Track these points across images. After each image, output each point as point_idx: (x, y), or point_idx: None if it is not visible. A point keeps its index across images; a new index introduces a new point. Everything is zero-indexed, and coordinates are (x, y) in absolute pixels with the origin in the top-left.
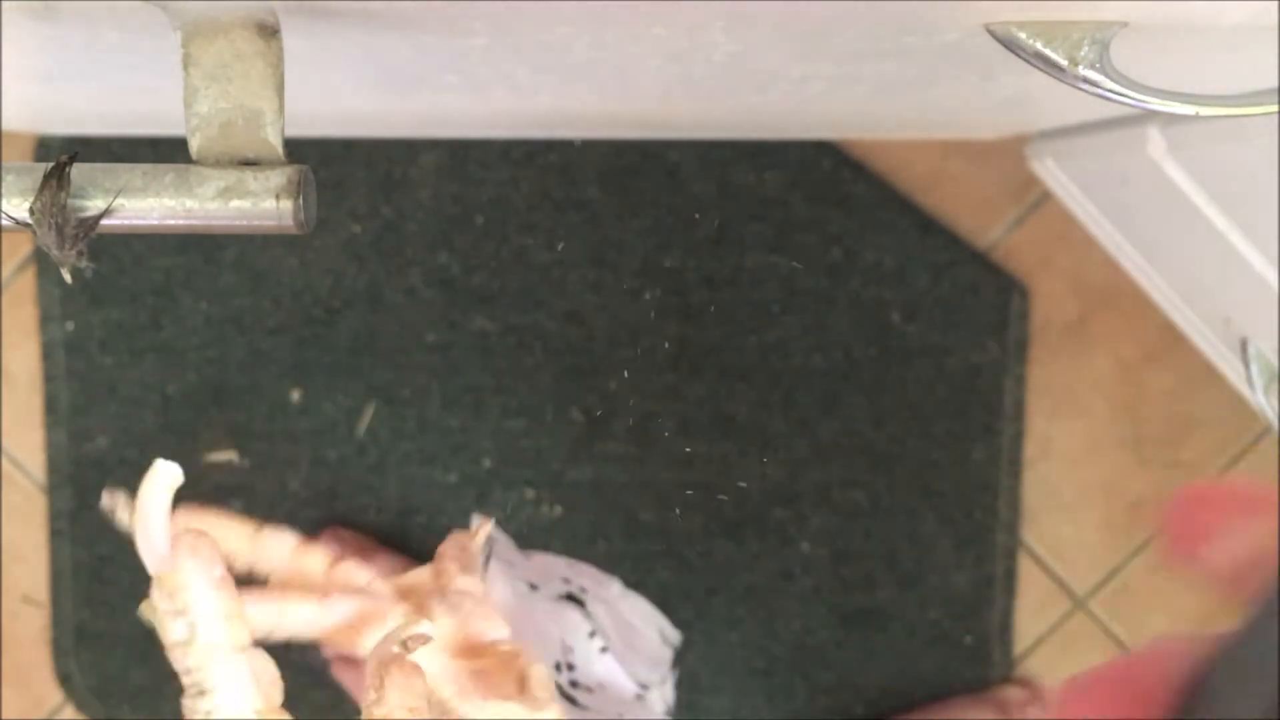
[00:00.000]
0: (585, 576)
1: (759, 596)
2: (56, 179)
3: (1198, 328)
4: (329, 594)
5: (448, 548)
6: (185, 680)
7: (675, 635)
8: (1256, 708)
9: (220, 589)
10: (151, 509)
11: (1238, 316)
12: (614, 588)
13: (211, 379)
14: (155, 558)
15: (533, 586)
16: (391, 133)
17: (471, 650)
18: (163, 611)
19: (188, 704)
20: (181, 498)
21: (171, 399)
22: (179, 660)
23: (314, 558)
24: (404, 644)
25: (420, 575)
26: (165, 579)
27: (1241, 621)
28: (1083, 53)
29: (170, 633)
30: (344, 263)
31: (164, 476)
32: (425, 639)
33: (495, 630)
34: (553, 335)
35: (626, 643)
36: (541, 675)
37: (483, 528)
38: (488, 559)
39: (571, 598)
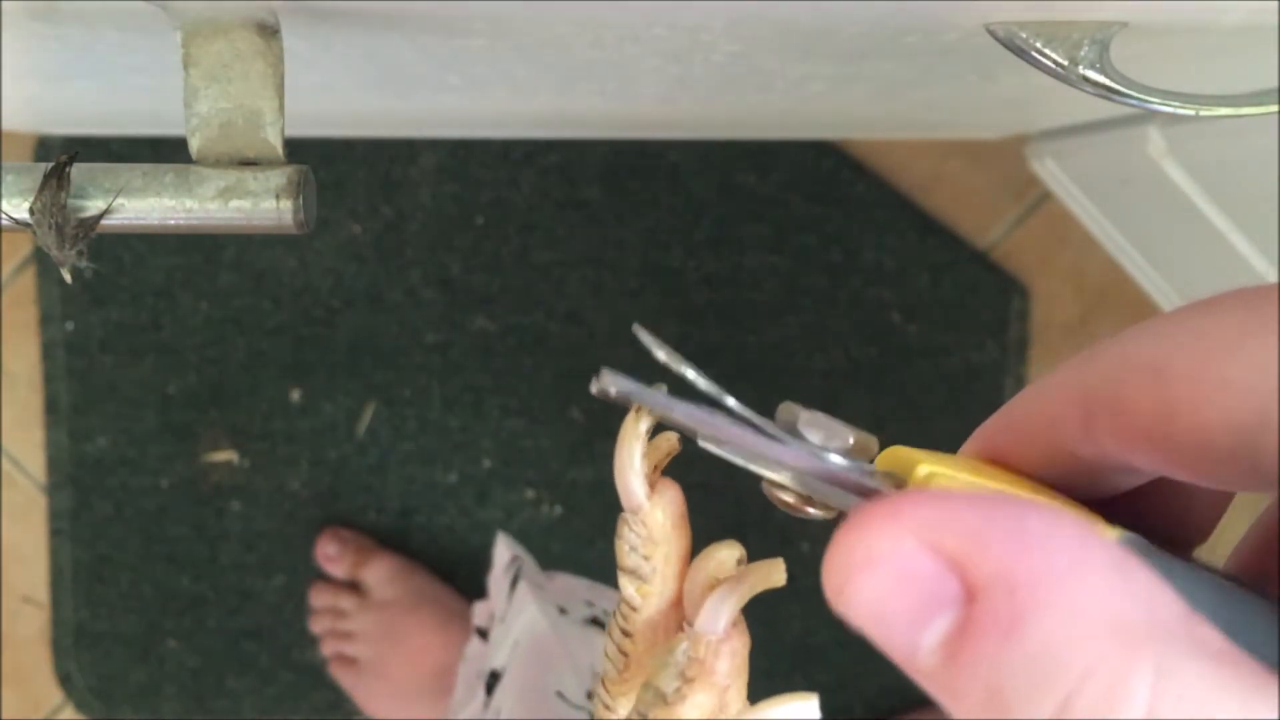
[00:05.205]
0: (606, 599)
1: (759, 596)
2: (56, 179)
3: None
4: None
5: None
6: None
7: None
8: None
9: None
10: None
11: None
12: None
13: (211, 379)
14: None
15: (562, 610)
16: (391, 133)
17: None
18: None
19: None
20: (181, 498)
21: (171, 399)
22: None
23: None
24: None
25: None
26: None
27: None
28: (1083, 53)
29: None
30: (344, 263)
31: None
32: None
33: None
34: (553, 335)
35: None
36: None
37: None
38: (516, 580)
39: (596, 621)
